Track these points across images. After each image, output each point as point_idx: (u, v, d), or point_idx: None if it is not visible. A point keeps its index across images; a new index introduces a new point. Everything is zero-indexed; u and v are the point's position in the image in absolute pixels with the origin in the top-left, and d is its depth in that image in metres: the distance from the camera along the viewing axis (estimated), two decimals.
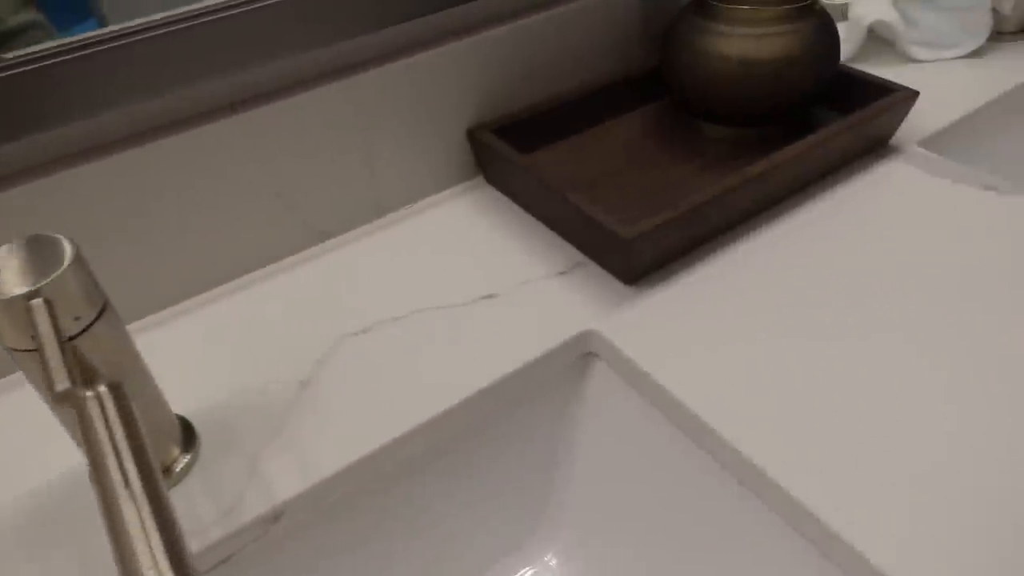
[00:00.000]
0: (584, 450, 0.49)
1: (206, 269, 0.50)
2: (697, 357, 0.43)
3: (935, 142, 0.61)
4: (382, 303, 0.49)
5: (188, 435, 0.41)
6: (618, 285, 0.49)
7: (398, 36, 0.52)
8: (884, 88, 0.57)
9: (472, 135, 0.57)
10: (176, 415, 0.41)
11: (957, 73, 0.70)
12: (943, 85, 0.68)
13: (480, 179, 0.60)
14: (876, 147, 0.59)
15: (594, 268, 0.50)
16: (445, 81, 0.55)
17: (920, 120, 0.62)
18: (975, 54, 0.72)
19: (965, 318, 0.44)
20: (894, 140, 0.60)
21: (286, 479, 0.39)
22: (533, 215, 0.55)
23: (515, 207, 0.57)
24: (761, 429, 0.39)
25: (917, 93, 0.57)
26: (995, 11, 0.72)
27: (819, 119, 0.61)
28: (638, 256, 0.47)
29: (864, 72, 0.60)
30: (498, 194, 0.58)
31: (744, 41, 0.54)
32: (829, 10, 0.57)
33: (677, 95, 0.60)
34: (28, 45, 0.41)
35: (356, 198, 0.55)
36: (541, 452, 0.49)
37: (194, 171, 0.47)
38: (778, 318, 0.45)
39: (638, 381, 0.44)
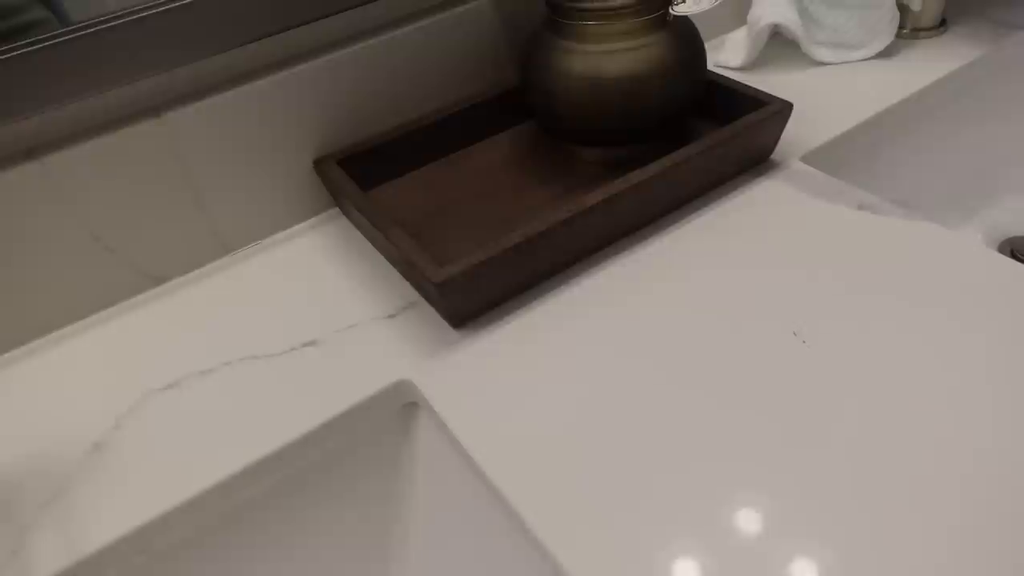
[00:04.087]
0: (420, 504, 0.46)
1: (10, 325, 0.48)
2: (509, 418, 0.40)
3: (825, 154, 0.57)
4: (195, 354, 0.46)
5: None
6: (445, 329, 0.46)
7: (219, 65, 0.50)
8: (757, 101, 0.53)
9: (318, 166, 0.54)
10: None
11: (862, 76, 0.65)
12: (844, 90, 0.63)
13: (338, 210, 0.57)
14: (756, 163, 0.55)
15: (425, 309, 0.47)
16: (286, 110, 0.52)
17: (813, 130, 0.58)
18: (885, 54, 0.67)
19: (818, 360, 0.40)
20: (777, 154, 0.56)
21: (51, 554, 0.36)
22: (379, 250, 0.52)
23: (365, 242, 0.54)
24: (568, 515, 0.35)
25: (791, 106, 0.53)
26: (907, 8, 0.68)
27: (700, 135, 0.57)
28: (453, 300, 0.44)
29: (740, 84, 0.56)
30: (351, 228, 0.55)
31: (594, 59, 0.50)
32: (695, 19, 0.53)
33: (539, 117, 0.56)
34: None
35: (192, 238, 0.52)
36: (374, 507, 0.46)
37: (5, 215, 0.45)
38: (613, 369, 0.42)
39: (450, 437, 0.41)
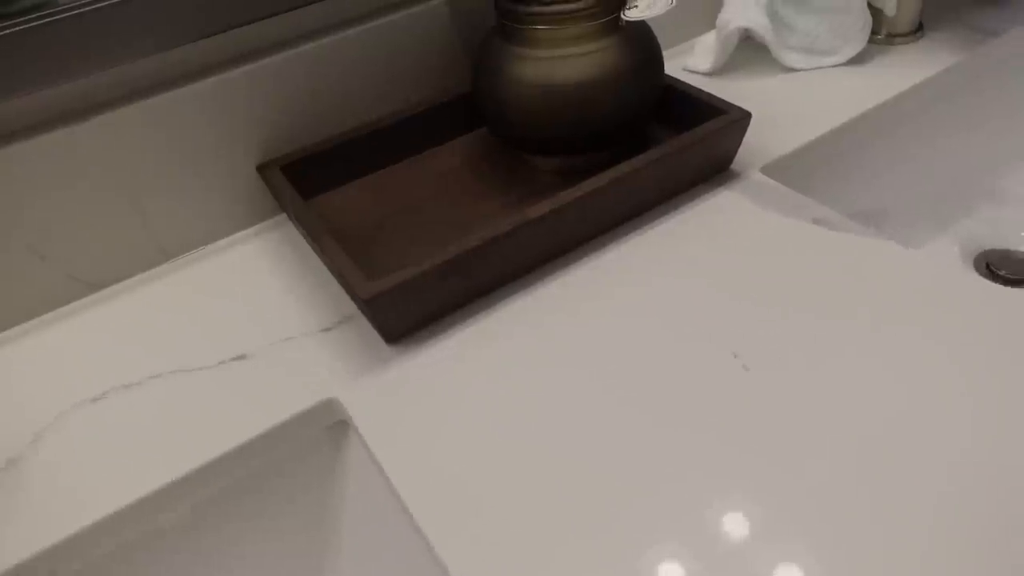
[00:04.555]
0: (349, 525, 0.45)
1: None
2: (436, 444, 0.38)
3: (788, 164, 0.55)
4: (123, 366, 0.45)
5: None
6: (380, 345, 0.44)
7: (160, 64, 0.48)
8: (715, 109, 0.52)
9: (261, 172, 0.52)
10: None
11: (833, 83, 0.63)
12: (813, 97, 0.62)
13: (284, 218, 0.56)
14: (714, 173, 0.53)
15: (362, 323, 0.46)
16: (231, 112, 0.50)
17: (778, 139, 0.56)
18: (858, 60, 0.65)
19: (766, 383, 0.39)
20: (738, 164, 0.54)
21: None
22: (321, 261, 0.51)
23: (310, 251, 0.52)
24: (488, 555, 0.34)
25: (749, 116, 0.51)
26: (882, 13, 0.66)
27: (658, 142, 0.55)
28: (383, 316, 0.42)
29: (698, 90, 0.54)
30: (298, 235, 0.54)
31: (546, 64, 0.49)
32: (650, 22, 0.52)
33: (491, 125, 0.55)
34: None
35: (129, 244, 0.50)
36: (302, 526, 0.45)
37: None
38: (546, 386, 0.40)
39: (376, 462, 0.39)
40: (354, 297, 0.44)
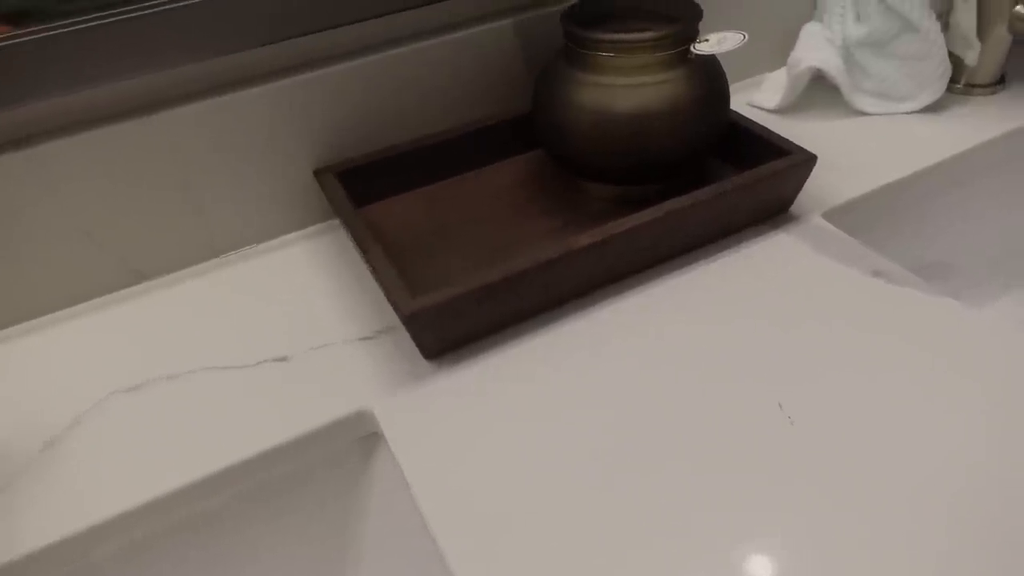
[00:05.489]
0: (372, 537, 0.44)
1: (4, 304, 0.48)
2: (466, 467, 0.38)
3: (851, 211, 0.54)
4: (165, 358, 0.45)
5: None
6: (418, 360, 0.44)
7: (226, 66, 0.49)
8: (779, 150, 0.50)
9: (318, 176, 0.53)
10: None
11: (905, 130, 0.61)
12: (883, 143, 0.60)
13: (337, 222, 0.56)
14: (773, 214, 0.52)
15: (402, 335, 0.45)
16: (291, 116, 0.51)
17: (842, 184, 0.55)
18: (933, 109, 0.63)
19: (815, 432, 0.37)
20: (798, 207, 0.53)
21: None
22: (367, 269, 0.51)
23: (357, 258, 0.52)
24: None
25: (814, 159, 0.49)
26: (962, 62, 0.64)
27: (716, 178, 0.54)
28: (423, 333, 0.42)
29: (764, 129, 0.52)
30: (348, 241, 0.54)
31: (606, 92, 0.48)
32: (721, 58, 0.51)
33: (547, 148, 0.54)
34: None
35: (183, 239, 0.52)
36: (326, 533, 0.45)
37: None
38: (580, 423, 0.39)
39: (403, 479, 0.39)
40: (396, 311, 0.44)
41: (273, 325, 0.47)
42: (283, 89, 0.50)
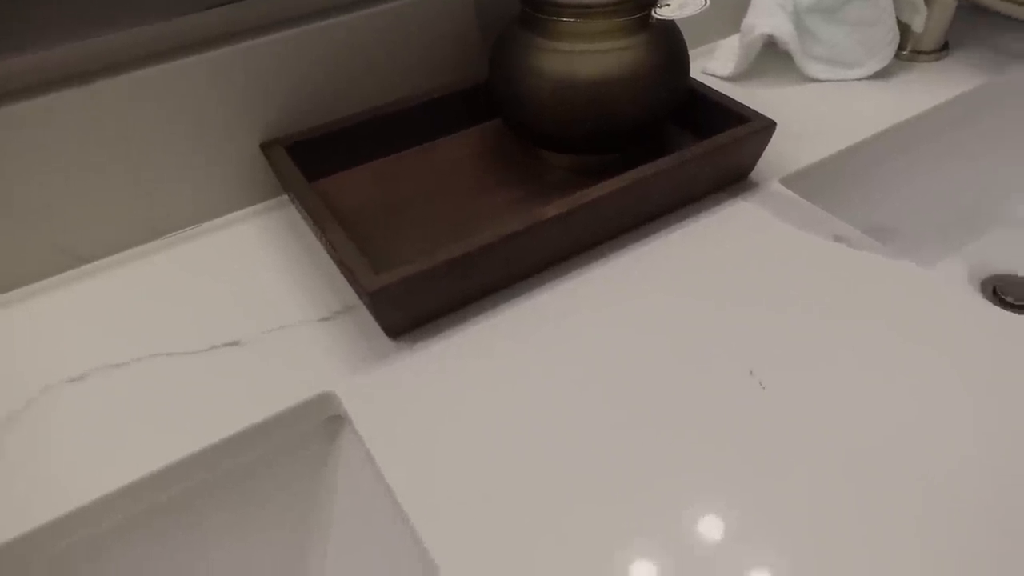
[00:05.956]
0: (339, 523, 0.43)
1: None
2: (435, 446, 0.37)
3: (807, 177, 0.54)
4: (108, 345, 0.43)
5: None
6: (381, 339, 0.42)
7: (165, 31, 0.46)
8: (739, 117, 0.50)
9: (265, 150, 0.50)
10: None
11: (855, 97, 0.62)
12: (835, 110, 0.60)
13: (286, 199, 0.54)
14: (733, 182, 0.52)
15: (363, 315, 0.44)
16: (236, 86, 0.48)
17: (797, 150, 0.55)
18: (882, 76, 0.64)
19: (777, 402, 0.37)
20: (756, 174, 0.53)
21: None
22: (322, 247, 0.49)
23: (311, 235, 0.50)
24: (472, 552, 0.32)
25: (774, 125, 0.49)
26: (909, 29, 0.64)
27: (677, 146, 0.53)
28: (387, 311, 0.40)
29: (724, 96, 0.52)
30: (300, 219, 0.52)
31: (567, 58, 0.47)
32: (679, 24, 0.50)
33: (506, 117, 0.53)
34: None
35: (122, 218, 0.48)
36: (291, 522, 0.43)
37: None
38: (548, 394, 0.39)
39: (369, 458, 0.38)
40: (357, 289, 0.42)
41: (224, 308, 0.45)
42: (227, 56, 0.47)
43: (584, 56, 0.47)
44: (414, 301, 0.41)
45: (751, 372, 0.39)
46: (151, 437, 0.38)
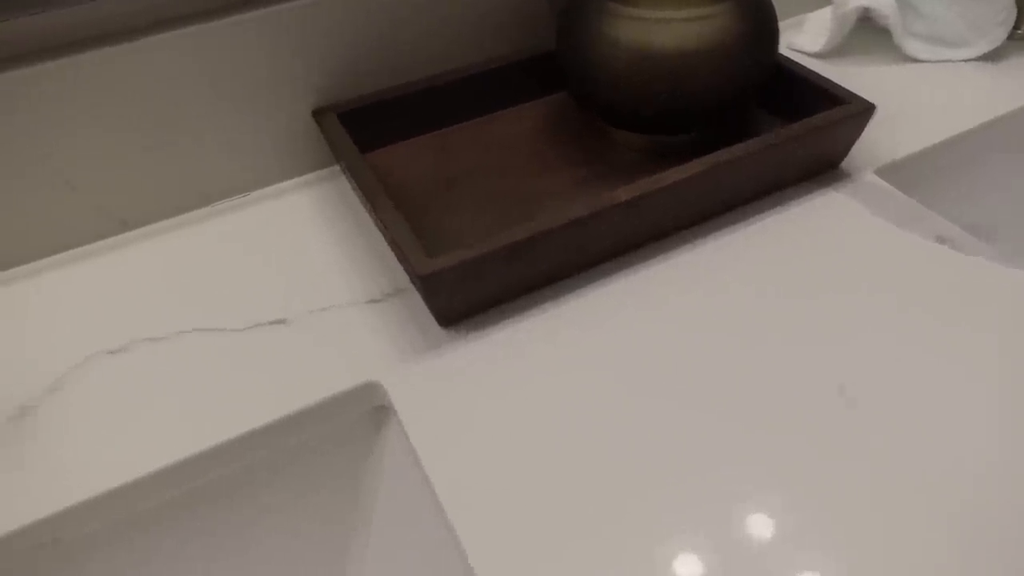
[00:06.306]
0: (381, 514, 0.41)
1: None
2: (483, 443, 0.34)
3: (905, 169, 0.49)
4: (151, 317, 0.41)
5: None
6: (432, 326, 0.39)
7: None
8: (833, 98, 0.45)
9: (317, 117, 0.48)
10: None
11: (961, 80, 0.56)
12: (938, 94, 0.54)
13: (338, 169, 0.51)
14: (822, 170, 0.47)
15: (414, 299, 0.41)
16: (288, 47, 0.45)
17: (894, 139, 0.50)
18: (990, 57, 0.58)
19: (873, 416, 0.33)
20: (848, 163, 0.48)
21: None
22: (373, 222, 0.46)
23: (362, 209, 0.48)
24: (511, 556, 0.30)
25: (872, 108, 0.44)
26: (1020, 6, 0.58)
27: (760, 129, 0.49)
28: (439, 296, 0.37)
29: (815, 74, 0.47)
30: (350, 190, 0.49)
31: (644, 26, 0.43)
32: None
33: (574, 89, 0.49)
34: None
35: (167, 183, 0.46)
36: (331, 516, 0.41)
37: None
38: (610, 396, 0.35)
39: (413, 453, 0.35)
40: (409, 271, 0.40)
41: (270, 283, 0.43)
42: (281, 15, 0.44)
43: (664, 25, 0.43)
44: (469, 287, 0.38)
45: (841, 387, 0.35)
46: (188, 418, 0.36)
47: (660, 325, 0.38)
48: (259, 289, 0.42)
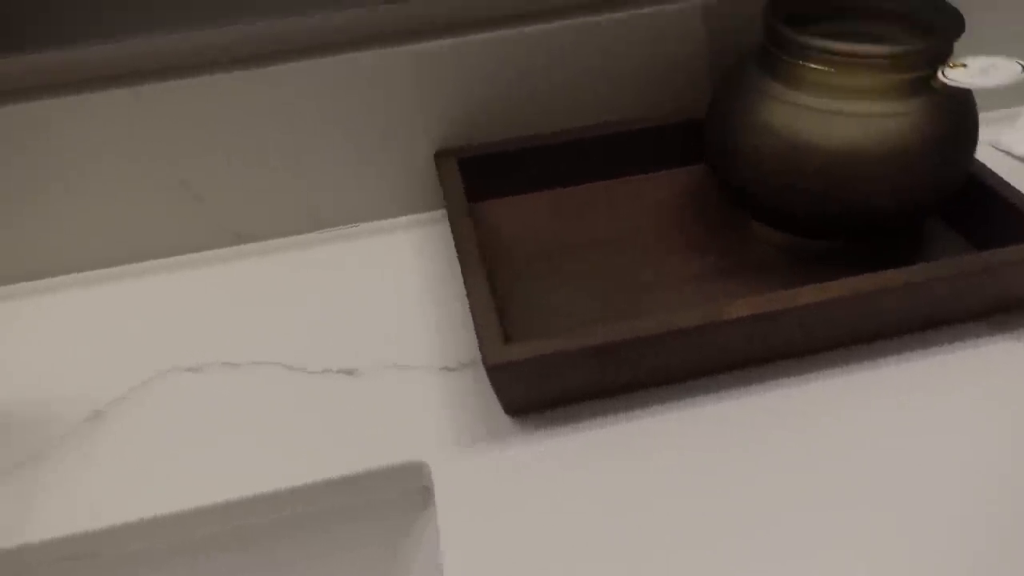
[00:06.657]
0: None
1: (87, 246, 0.45)
2: (513, 556, 0.30)
3: None
4: (231, 340, 0.41)
5: None
6: (497, 410, 0.36)
7: (356, 20, 0.42)
8: None
9: (437, 159, 0.46)
10: None
11: None
12: None
13: None
14: (1000, 310, 0.38)
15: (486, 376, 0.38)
16: (419, 86, 0.44)
17: None
18: None
19: None
20: None
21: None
22: None
23: None
24: None
25: None
26: None
27: (932, 246, 0.41)
28: (509, 385, 0.34)
29: (1018, 194, 0.39)
30: None
31: (810, 115, 0.37)
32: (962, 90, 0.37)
33: (716, 168, 0.43)
34: None
35: (282, 204, 0.46)
36: None
37: (92, 136, 0.42)
38: (673, 539, 0.30)
39: (438, 545, 0.32)
40: (481, 356, 0.36)
41: (352, 325, 0.41)
42: (415, 54, 0.43)
43: (833, 117, 0.36)
44: (541, 382, 0.34)
45: None
46: (245, 458, 0.35)
47: (752, 468, 0.32)
48: (341, 330, 0.41)
